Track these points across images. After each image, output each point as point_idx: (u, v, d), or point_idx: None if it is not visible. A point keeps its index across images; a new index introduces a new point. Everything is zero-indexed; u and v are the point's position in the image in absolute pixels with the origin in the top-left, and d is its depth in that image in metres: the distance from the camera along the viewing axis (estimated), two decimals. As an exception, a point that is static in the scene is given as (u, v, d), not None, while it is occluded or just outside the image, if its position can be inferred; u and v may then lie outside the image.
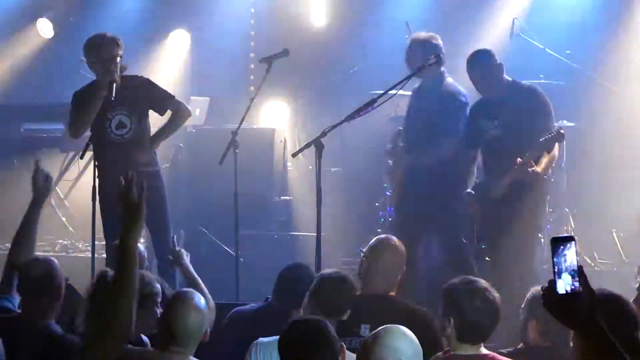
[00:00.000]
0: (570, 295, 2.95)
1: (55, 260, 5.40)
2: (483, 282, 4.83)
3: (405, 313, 5.50)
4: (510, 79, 7.98)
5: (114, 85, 7.70)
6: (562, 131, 7.55)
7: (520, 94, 7.87)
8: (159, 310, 4.94)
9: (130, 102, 7.93)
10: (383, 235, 6.24)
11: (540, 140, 7.50)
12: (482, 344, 4.74)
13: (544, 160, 7.62)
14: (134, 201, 3.63)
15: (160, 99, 8.07)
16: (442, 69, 8.06)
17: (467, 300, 4.71)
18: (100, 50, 7.81)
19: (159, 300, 4.99)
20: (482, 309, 4.69)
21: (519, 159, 7.50)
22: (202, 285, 6.02)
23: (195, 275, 6.23)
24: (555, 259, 2.95)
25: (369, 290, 5.74)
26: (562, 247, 2.96)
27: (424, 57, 7.73)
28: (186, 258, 6.40)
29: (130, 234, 3.59)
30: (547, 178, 8.03)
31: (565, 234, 3.04)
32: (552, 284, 2.96)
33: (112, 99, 7.69)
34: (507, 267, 7.63)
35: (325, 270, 5.59)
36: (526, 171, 7.54)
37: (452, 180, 8.01)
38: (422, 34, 8.19)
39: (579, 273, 2.94)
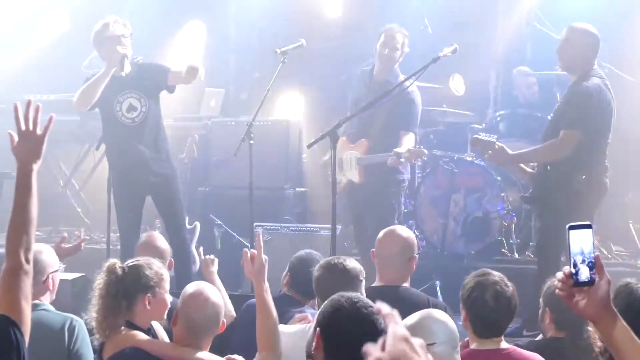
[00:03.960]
0: (587, 284, 2.92)
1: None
2: (496, 276, 4.74)
3: (419, 303, 5.48)
4: (594, 67, 7.49)
5: (125, 59, 7.70)
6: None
7: (575, 88, 7.46)
8: (169, 297, 4.89)
9: (140, 85, 7.96)
10: (391, 226, 6.15)
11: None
12: (502, 337, 4.71)
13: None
14: (35, 134, 3.62)
15: (162, 77, 8.00)
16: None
17: (478, 294, 4.66)
18: (107, 29, 7.86)
19: (168, 287, 4.94)
20: (492, 304, 4.62)
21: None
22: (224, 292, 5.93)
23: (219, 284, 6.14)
24: (571, 248, 2.91)
25: (381, 282, 5.74)
26: (578, 235, 2.91)
27: None
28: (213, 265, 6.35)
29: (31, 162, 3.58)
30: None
31: (583, 222, 2.98)
32: (568, 273, 2.92)
33: (123, 74, 7.69)
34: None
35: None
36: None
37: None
38: None
39: (595, 262, 2.91)
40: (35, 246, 3.72)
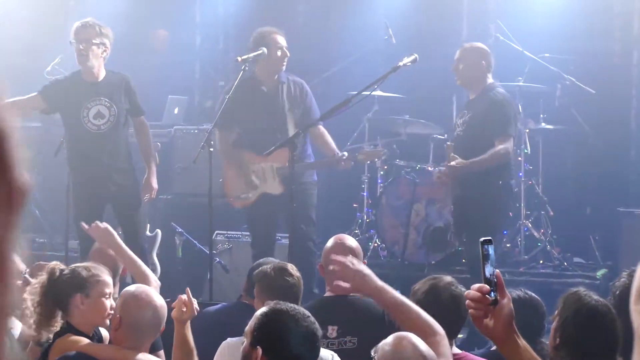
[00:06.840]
0: (494, 302, 2.80)
1: None
2: (447, 278, 4.84)
3: (375, 314, 5.48)
4: (491, 81, 8.03)
5: None
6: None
7: (485, 101, 7.96)
8: (108, 302, 4.84)
9: (112, 95, 7.90)
10: (337, 237, 5.91)
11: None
12: (453, 343, 4.74)
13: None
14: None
15: (135, 107, 8.05)
16: None
17: (428, 295, 4.71)
18: (78, 32, 7.84)
19: (109, 291, 4.88)
20: (441, 304, 4.65)
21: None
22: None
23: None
24: (487, 264, 2.81)
25: (333, 292, 5.66)
26: (490, 250, 2.81)
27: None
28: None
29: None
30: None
31: (487, 237, 2.85)
32: (486, 290, 2.80)
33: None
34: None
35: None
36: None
37: None
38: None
39: (496, 281, 2.80)
40: None
